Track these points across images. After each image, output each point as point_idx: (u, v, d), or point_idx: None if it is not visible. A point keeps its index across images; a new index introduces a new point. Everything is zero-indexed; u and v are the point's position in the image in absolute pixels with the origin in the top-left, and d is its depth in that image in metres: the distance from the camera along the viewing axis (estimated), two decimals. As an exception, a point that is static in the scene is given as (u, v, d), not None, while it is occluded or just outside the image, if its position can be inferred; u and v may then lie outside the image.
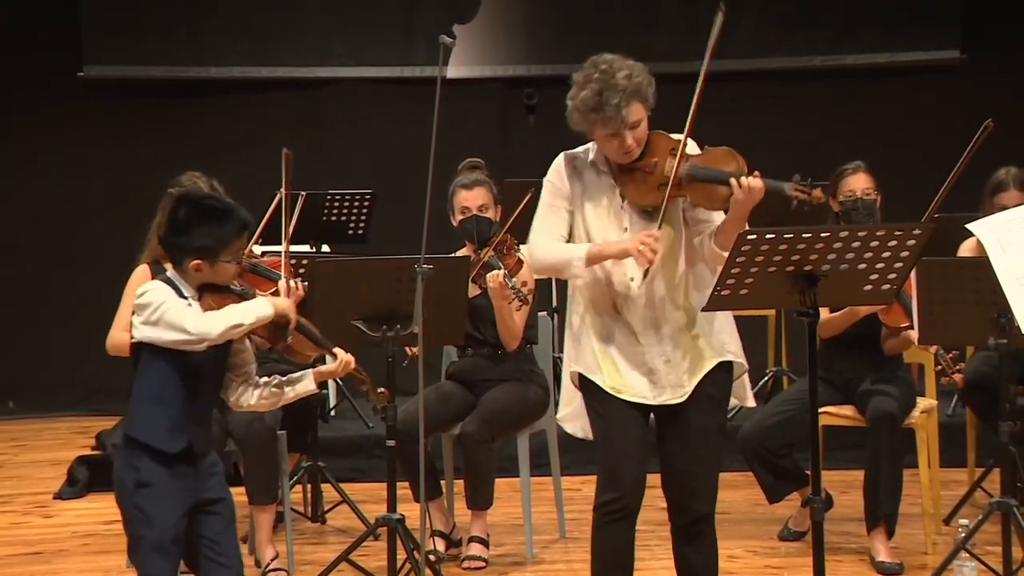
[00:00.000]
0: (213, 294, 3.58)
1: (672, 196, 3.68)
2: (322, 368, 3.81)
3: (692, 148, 3.75)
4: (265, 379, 3.74)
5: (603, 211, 3.77)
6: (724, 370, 3.80)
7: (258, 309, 3.54)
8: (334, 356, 3.81)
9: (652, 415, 3.84)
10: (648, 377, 3.75)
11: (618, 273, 3.75)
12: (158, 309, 3.45)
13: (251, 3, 8.10)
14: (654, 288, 3.74)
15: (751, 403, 3.97)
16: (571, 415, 3.92)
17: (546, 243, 3.80)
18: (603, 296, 3.78)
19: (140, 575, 3.56)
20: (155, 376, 3.51)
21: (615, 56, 3.73)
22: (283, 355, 3.79)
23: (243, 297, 3.61)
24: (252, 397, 3.71)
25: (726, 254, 3.59)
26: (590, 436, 3.90)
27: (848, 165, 5.15)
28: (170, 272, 3.59)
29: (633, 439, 3.77)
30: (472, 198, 5.11)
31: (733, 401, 3.89)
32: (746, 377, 3.89)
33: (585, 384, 3.82)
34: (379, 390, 4.06)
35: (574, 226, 3.81)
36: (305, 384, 3.75)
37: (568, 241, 3.80)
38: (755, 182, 3.60)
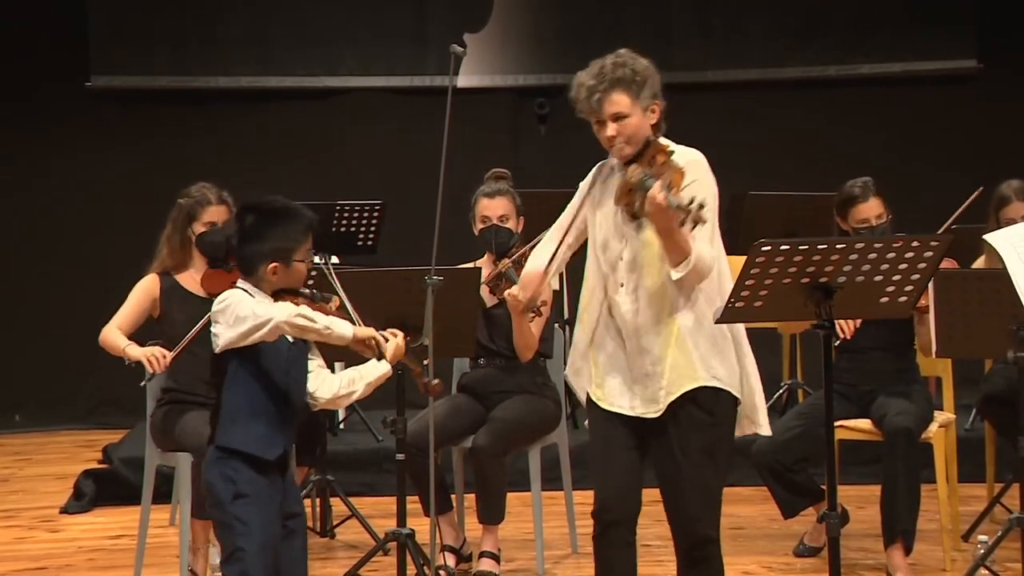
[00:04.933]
0: (289, 298, 3.57)
1: (628, 202, 3.63)
2: (388, 347, 3.70)
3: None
4: (339, 373, 3.70)
5: (609, 212, 3.75)
6: (712, 393, 3.69)
7: (337, 324, 3.51)
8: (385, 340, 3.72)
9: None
10: (627, 386, 3.71)
11: (611, 277, 3.72)
12: (233, 308, 3.47)
13: (260, 13, 8.07)
14: (641, 297, 3.68)
15: (765, 431, 3.82)
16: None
17: (536, 253, 3.89)
18: (601, 297, 3.76)
19: None
20: (245, 385, 3.53)
21: (625, 51, 3.72)
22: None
23: (313, 300, 3.61)
24: (329, 390, 3.66)
25: (674, 273, 3.56)
26: None
27: (856, 187, 4.98)
28: (242, 283, 3.59)
29: (619, 448, 3.74)
30: (493, 208, 5.08)
31: (751, 428, 3.79)
32: (759, 403, 3.78)
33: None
34: (434, 381, 3.97)
35: (589, 227, 3.81)
36: (379, 367, 3.67)
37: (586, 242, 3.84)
38: (653, 194, 3.47)
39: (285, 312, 3.46)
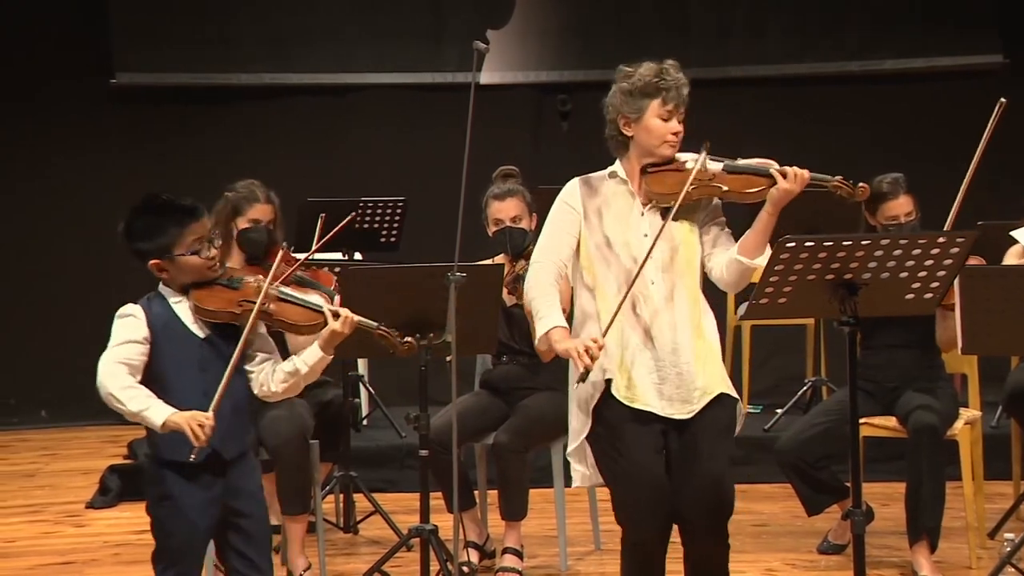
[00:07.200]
0: (199, 290, 3.53)
1: (703, 191, 3.66)
2: (323, 332, 3.59)
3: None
4: (279, 364, 3.63)
5: (623, 217, 3.76)
6: (731, 400, 3.73)
7: (151, 415, 3.44)
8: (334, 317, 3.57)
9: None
10: (657, 386, 3.69)
11: (636, 273, 3.67)
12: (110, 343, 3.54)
13: (279, 10, 8.07)
14: (679, 296, 3.69)
15: None
16: (580, 450, 3.85)
17: (541, 278, 3.78)
18: (622, 293, 3.68)
19: None
20: (160, 393, 3.49)
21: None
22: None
23: (230, 287, 3.54)
24: (273, 383, 3.60)
25: (751, 262, 3.58)
26: (596, 481, 3.83)
27: (885, 183, 4.96)
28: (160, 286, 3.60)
29: (647, 460, 3.69)
30: (505, 209, 5.07)
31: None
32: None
33: (601, 394, 3.74)
34: (405, 340, 3.79)
35: (590, 235, 3.78)
36: (312, 352, 3.58)
37: (576, 254, 3.78)
38: (801, 170, 3.60)
39: (108, 387, 3.58)
